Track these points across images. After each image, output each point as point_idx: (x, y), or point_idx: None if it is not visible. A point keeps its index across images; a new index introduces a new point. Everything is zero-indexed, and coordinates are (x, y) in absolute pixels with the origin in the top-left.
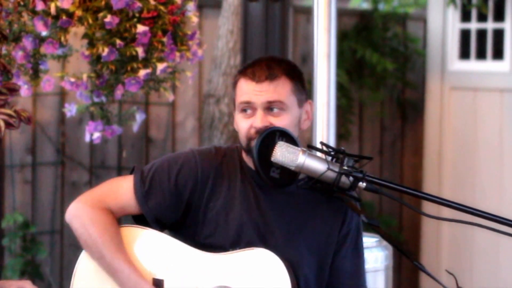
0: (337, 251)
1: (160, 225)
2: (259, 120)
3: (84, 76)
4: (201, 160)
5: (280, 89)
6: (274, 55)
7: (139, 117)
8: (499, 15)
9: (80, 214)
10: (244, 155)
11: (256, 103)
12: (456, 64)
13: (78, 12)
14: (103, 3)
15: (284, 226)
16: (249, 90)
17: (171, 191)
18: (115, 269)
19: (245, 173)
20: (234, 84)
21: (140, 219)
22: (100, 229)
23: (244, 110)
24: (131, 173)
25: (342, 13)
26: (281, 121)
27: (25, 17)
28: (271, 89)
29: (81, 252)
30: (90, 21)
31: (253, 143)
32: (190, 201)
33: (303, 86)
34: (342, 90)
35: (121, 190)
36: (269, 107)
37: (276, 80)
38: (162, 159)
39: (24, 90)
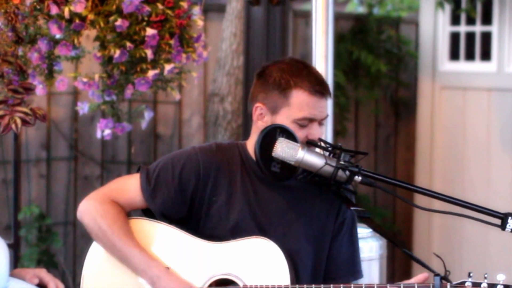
0: (333, 240)
1: (167, 220)
2: (317, 133)
3: (96, 77)
4: (203, 157)
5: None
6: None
7: (147, 115)
8: (487, 19)
9: (90, 210)
10: (249, 150)
11: (316, 118)
12: (446, 65)
13: (91, 16)
14: (114, 7)
15: (283, 217)
16: (311, 105)
17: (175, 188)
18: (126, 255)
19: (246, 168)
20: (286, 92)
21: (148, 211)
22: (109, 221)
23: (302, 125)
24: (137, 172)
25: (339, 17)
26: (322, 130)
27: (40, 20)
28: (326, 105)
29: (93, 242)
30: (102, 24)
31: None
32: (194, 197)
33: None
34: (339, 89)
35: (128, 187)
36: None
37: (329, 95)
38: (166, 158)
39: (40, 90)
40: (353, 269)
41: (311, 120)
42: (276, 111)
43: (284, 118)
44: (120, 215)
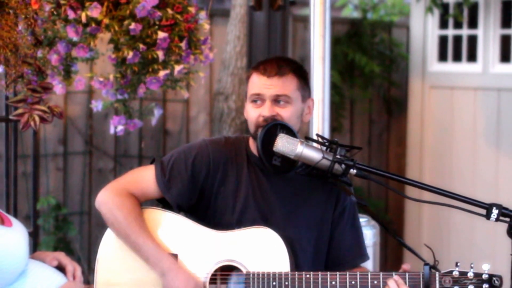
0: (335, 228)
1: (181, 209)
2: (267, 110)
3: (111, 77)
4: (213, 149)
5: (287, 85)
6: (283, 56)
7: (157, 112)
8: (473, 23)
9: (107, 201)
10: (250, 143)
11: (265, 95)
12: (435, 66)
13: (106, 20)
14: (127, 12)
15: (284, 207)
16: (260, 83)
17: (188, 178)
18: (139, 245)
19: (250, 161)
20: (247, 78)
21: (161, 200)
22: (124, 212)
23: (254, 101)
24: (151, 164)
25: (335, 21)
26: (286, 112)
27: (58, 24)
28: (280, 84)
29: (107, 229)
30: (116, 28)
31: (259, 133)
32: (204, 186)
33: (307, 84)
34: (335, 89)
35: (143, 178)
36: (276, 99)
37: (284, 76)
38: (179, 150)
39: (59, 89)
40: (359, 253)
41: (262, 99)
42: (245, 96)
43: (247, 100)
44: (135, 207)
